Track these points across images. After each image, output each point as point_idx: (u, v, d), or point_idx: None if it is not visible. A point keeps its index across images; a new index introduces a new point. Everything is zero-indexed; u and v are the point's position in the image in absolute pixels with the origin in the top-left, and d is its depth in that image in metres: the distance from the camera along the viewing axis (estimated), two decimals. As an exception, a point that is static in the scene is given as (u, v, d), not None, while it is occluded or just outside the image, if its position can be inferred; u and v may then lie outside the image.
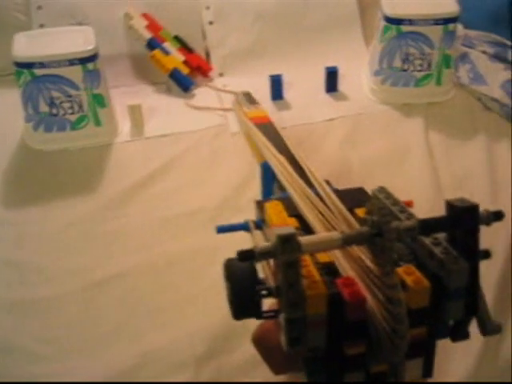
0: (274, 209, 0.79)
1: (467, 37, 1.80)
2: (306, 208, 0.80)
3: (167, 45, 1.68)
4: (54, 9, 1.69)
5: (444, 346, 0.70)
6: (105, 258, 1.20)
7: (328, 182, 0.89)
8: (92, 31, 1.47)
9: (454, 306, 0.64)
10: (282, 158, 0.99)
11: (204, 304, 1.08)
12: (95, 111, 1.47)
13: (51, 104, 1.44)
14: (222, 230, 0.84)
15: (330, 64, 1.67)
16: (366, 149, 1.47)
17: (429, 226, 0.63)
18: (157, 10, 1.74)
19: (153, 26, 1.69)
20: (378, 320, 0.60)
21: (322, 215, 0.77)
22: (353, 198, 0.81)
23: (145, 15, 1.71)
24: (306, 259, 0.66)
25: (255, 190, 1.33)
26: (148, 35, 1.66)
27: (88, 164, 1.44)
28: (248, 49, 1.77)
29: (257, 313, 0.65)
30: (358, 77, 1.72)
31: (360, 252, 0.64)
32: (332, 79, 1.66)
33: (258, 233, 0.81)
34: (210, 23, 1.77)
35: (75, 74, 1.41)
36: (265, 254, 0.58)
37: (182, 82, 1.66)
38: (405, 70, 1.60)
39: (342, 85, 1.68)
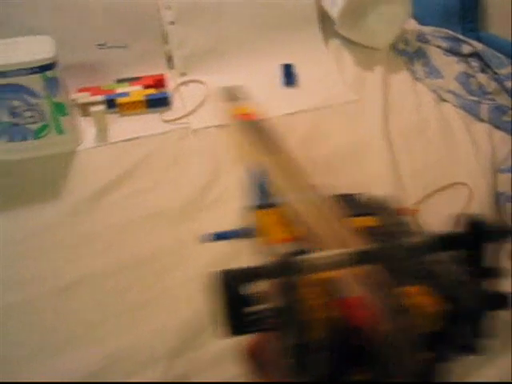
0: (269, 218, 0.73)
1: (421, 32, 1.85)
2: (309, 216, 0.72)
3: (120, 90, 1.67)
4: (13, 24, 1.68)
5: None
6: (72, 261, 1.20)
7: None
8: (51, 40, 1.48)
9: (466, 328, 0.59)
10: (276, 159, 0.93)
11: (173, 301, 1.09)
12: (57, 119, 1.47)
13: (13, 113, 1.43)
14: (218, 237, 0.82)
15: (288, 60, 1.72)
16: (327, 144, 1.49)
17: (445, 242, 0.60)
18: (115, 17, 1.75)
19: (94, 89, 1.67)
20: (385, 344, 0.56)
21: (325, 223, 0.71)
22: (352, 205, 0.76)
23: (81, 90, 1.67)
24: (308, 278, 0.60)
25: (219, 190, 1.36)
26: (100, 98, 1.64)
27: (53, 172, 1.44)
28: (209, 48, 1.80)
29: (250, 330, 0.61)
30: (316, 73, 1.76)
31: (368, 268, 0.59)
32: (288, 74, 1.70)
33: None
34: (172, 23, 1.79)
35: (35, 82, 1.41)
36: (262, 276, 0.54)
37: (160, 99, 1.65)
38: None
39: (300, 80, 1.72)
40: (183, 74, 1.77)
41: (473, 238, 0.60)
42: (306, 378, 0.57)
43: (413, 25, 1.92)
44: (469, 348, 0.62)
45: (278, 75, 1.73)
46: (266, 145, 0.98)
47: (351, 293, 0.59)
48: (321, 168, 1.40)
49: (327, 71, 1.76)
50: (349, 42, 1.86)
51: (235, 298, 0.58)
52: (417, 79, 1.73)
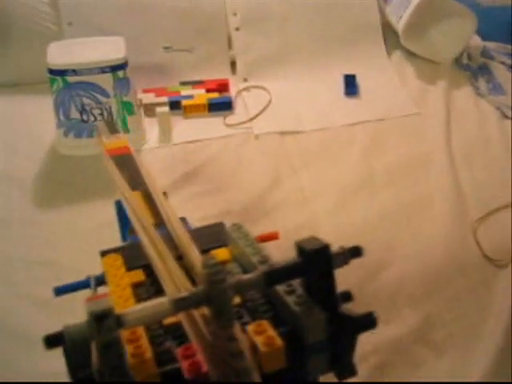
0: (112, 264, 0.69)
1: (486, 48, 1.84)
2: (155, 255, 0.68)
3: (183, 93, 1.70)
4: (84, 25, 1.74)
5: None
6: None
7: (184, 220, 0.82)
8: (123, 40, 1.52)
9: (315, 361, 0.56)
10: (136, 194, 0.88)
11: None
12: (124, 118, 1.51)
13: (82, 110, 1.48)
14: (60, 291, 0.76)
15: (351, 71, 1.73)
16: (388, 156, 1.50)
17: (276, 276, 0.55)
18: (182, 20, 1.79)
19: (159, 91, 1.70)
20: None
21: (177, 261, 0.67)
22: (211, 236, 0.73)
23: (145, 90, 1.70)
24: (137, 330, 0.55)
25: (280, 196, 1.37)
26: (165, 99, 1.67)
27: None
28: (272, 55, 1.81)
29: None
30: (378, 85, 1.76)
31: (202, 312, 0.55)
32: (351, 84, 1.71)
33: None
34: (237, 29, 1.82)
35: (106, 81, 1.46)
36: (77, 339, 0.49)
37: (223, 104, 1.67)
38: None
39: (362, 91, 1.73)
40: (245, 80, 1.79)
41: (302, 266, 0.55)
42: None
43: (477, 40, 1.91)
44: (347, 366, 0.59)
45: (340, 85, 1.73)
46: (130, 180, 0.92)
47: (190, 336, 0.55)
48: (382, 179, 1.41)
49: (389, 83, 1.76)
50: (412, 55, 1.86)
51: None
52: (479, 95, 1.72)
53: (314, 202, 1.35)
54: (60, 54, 1.49)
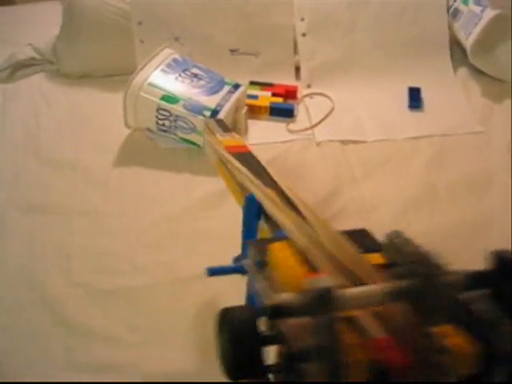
0: (283, 252, 0.66)
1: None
2: (316, 252, 0.66)
3: (250, 92, 1.71)
4: (153, 24, 1.77)
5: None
6: (192, 255, 1.24)
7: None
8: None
9: (501, 372, 0.55)
10: (271, 192, 0.87)
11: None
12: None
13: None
14: (213, 272, 0.76)
15: (415, 83, 1.72)
16: (450, 172, 1.48)
17: (476, 280, 0.56)
18: (250, 24, 1.80)
19: None
20: None
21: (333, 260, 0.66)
22: (356, 241, 0.69)
23: None
24: (341, 315, 0.55)
25: (340, 204, 1.37)
26: None
27: (185, 165, 1.50)
28: (337, 62, 1.81)
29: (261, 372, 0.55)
30: (443, 100, 1.74)
31: (396, 307, 0.55)
32: (415, 98, 1.70)
33: (259, 277, 0.69)
34: (303, 35, 1.82)
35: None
36: (294, 312, 0.50)
37: (284, 110, 1.68)
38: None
39: (426, 105, 1.71)
40: (309, 86, 1.79)
41: (503, 274, 0.55)
42: None
43: None
44: None
45: (403, 97, 1.72)
46: (263, 178, 0.93)
47: (378, 333, 0.54)
48: (444, 195, 1.40)
49: (454, 99, 1.74)
50: (478, 72, 1.83)
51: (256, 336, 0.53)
52: None
53: (374, 213, 1.35)
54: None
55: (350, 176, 1.45)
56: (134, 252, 1.26)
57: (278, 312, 0.50)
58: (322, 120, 1.63)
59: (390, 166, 1.50)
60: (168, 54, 1.61)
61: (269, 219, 0.82)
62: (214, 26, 1.79)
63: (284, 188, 0.89)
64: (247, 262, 0.73)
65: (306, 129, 1.61)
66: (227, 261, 1.19)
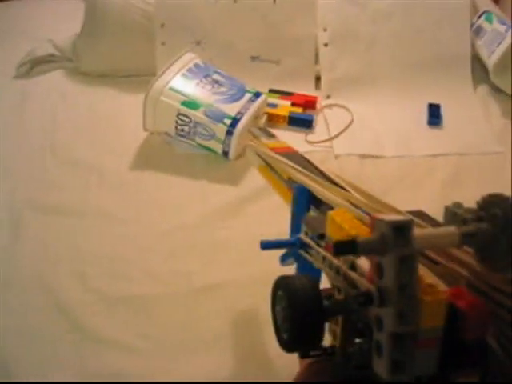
0: (343, 216, 0.64)
1: None
2: None
3: (269, 100, 1.70)
4: (176, 27, 1.77)
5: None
6: (209, 265, 1.23)
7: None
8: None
9: None
10: (321, 180, 0.88)
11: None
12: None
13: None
14: (266, 246, 0.75)
15: (434, 100, 1.71)
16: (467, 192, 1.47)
17: None
18: (272, 32, 1.79)
19: None
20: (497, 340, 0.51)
21: None
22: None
23: None
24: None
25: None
26: None
27: (202, 172, 1.49)
28: (357, 75, 1.81)
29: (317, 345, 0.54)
30: (462, 118, 1.73)
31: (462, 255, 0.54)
32: (435, 114, 1.69)
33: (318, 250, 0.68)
34: (325, 45, 1.81)
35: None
36: (371, 247, 0.48)
37: (303, 121, 1.67)
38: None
39: (445, 122, 1.70)
40: (328, 97, 1.78)
41: None
42: (408, 380, 0.49)
43: None
44: None
45: (423, 113, 1.71)
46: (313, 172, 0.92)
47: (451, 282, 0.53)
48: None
49: (473, 117, 1.73)
50: (498, 91, 1.82)
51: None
52: None
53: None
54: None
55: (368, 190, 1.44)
56: (148, 259, 1.25)
57: (353, 247, 0.48)
58: (341, 132, 1.62)
59: (406, 182, 1.49)
60: (190, 58, 1.60)
61: (319, 208, 0.82)
62: (236, 32, 1.79)
63: (333, 177, 0.89)
64: (304, 235, 0.71)
65: (325, 140, 1.60)
66: (244, 274, 1.19)
